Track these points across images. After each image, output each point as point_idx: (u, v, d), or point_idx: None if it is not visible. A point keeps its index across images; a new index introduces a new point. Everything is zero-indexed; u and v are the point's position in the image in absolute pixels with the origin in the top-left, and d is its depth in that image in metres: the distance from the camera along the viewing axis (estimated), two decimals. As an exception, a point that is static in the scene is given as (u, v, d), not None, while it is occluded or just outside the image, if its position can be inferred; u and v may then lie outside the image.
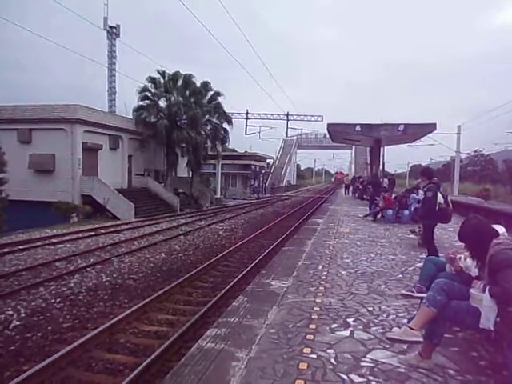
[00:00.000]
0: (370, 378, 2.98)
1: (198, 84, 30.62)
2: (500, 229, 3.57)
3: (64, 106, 23.18)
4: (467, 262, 3.77)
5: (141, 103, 29.00)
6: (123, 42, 43.18)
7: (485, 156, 69.27)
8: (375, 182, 19.05)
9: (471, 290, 3.12)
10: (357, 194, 25.72)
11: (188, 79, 30.01)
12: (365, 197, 22.42)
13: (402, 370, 3.10)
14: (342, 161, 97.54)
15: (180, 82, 29.99)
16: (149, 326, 6.41)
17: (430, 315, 3.12)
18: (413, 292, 4.27)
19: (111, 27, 39.06)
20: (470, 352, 3.45)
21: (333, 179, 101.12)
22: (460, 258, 3.85)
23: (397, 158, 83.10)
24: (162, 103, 29.87)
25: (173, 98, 29.77)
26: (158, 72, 29.64)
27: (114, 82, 39.76)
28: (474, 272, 3.62)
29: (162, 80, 29.72)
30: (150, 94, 29.41)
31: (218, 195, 38.73)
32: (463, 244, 3.50)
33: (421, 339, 3.21)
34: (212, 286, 8.80)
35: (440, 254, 6.80)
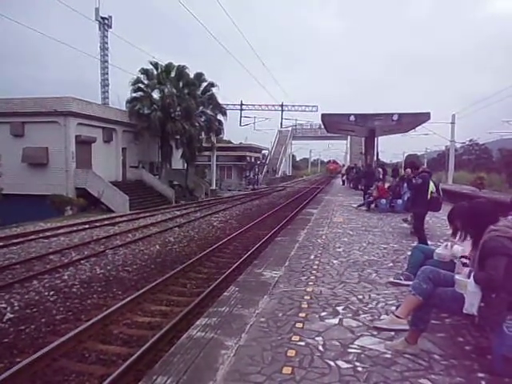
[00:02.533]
0: (357, 363, 3.03)
1: (192, 75, 30.41)
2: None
3: (57, 98, 22.97)
4: (454, 250, 3.83)
5: (134, 95, 28.77)
6: (115, 33, 42.79)
7: (480, 145, 69.54)
8: (369, 172, 19.08)
9: (456, 276, 3.16)
10: (351, 184, 25.73)
11: (181, 70, 29.76)
12: (360, 187, 22.50)
13: (389, 356, 3.14)
14: (337, 151, 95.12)
15: (173, 74, 29.73)
16: (142, 317, 6.45)
17: (416, 303, 3.17)
18: (401, 280, 4.34)
19: (103, 18, 38.54)
20: (456, 337, 3.50)
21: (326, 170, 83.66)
22: (446, 245, 3.90)
23: (392, 148, 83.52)
24: (156, 95, 29.61)
25: (166, 90, 29.51)
26: (151, 63, 29.40)
27: (107, 73, 39.27)
28: (461, 260, 3.67)
29: (154, 71, 29.46)
30: (143, 86, 29.17)
31: (213, 187, 38.67)
32: (460, 223, 3.55)
33: (407, 327, 3.27)
34: (206, 276, 8.84)
35: (431, 243, 6.90)
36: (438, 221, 10.31)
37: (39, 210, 19.32)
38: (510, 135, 41.87)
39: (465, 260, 3.40)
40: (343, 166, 54.59)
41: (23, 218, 16.98)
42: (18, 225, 15.83)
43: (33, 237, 13.15)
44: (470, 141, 68.79)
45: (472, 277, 2.93)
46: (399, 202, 13.01)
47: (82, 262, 9.97)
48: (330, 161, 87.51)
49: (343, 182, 32.26)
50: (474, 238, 3.11)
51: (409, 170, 7.84)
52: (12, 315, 6.54)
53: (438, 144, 61.11)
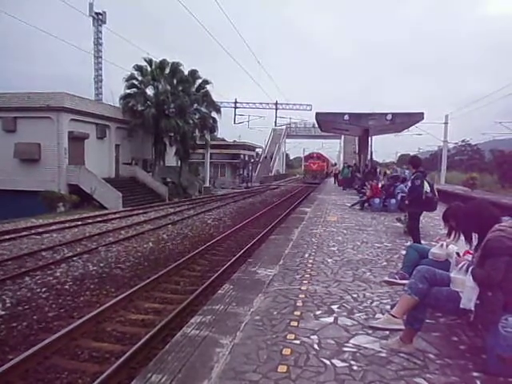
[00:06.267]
0: (352, 362, 3.02)
1: (186, 72, 30.28)
2: None
3: (50, 93, 22.75)
4: (449, 249, 3.84)
5: (128, 91, 28.58)
6: (109, 29, 42.46)
7: (472, 146, 70.07)
8: (371, 172, 19.16)
9: (452, 274, 3.17)
10: (345, 184, 25.53)
11: (175, 67, 29.62)
12: (353, 186, 22.51)
13: (384, 355, 3.14)
14: (331, 150, 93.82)
15: (167, 70, 29.59)
16: (135, 315, 6.43)
17: (411, 303, 3.16)
18: (396, 279, 4.34)
19: (97, 13, 38.29)
20: (450, 337, 3.51)
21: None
22: (442, 245, 3.91)
23: (385, 148, 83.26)
24: (150, 91, 29.49)
25: (160, 86, 29.38)
26: (145, 60, 29.23)
27: (101, 69, 39.10)
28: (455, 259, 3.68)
29: (148, 68, 29.28)
30: (136, 82, 28.98)
31: (207, 184, 38.57)
32: (455, 223, 3.56)
33: (403, 327, 3.26)
34: (200, 274, 8.82)
35: (424, 242, 6.92)
36: (431, 220, 10.36)
37: (31, 206, 19.14)
38: (502, 136, 42.24)
39: (468, 256, 3.40)
40: (335, 164, 51.03)
41: (15, 214, 16.82)
42: (10, 221, 15.67)
43: (25, 233, 13.04)
44: (463, 141, 69.34)
45: (470, 272, 2.93)
46: (392, 201, 13.06)
47: (75, 258, 9.90)
48: (311, 155, 52.10)
49: (335, 181, 31.68)
50: (478, 237, 3.11)
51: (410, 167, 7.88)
52: (3, 312, 6.48)
53: (430, 144, 61.56)
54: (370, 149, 23.78)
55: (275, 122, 51.43)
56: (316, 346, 3.28)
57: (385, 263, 6.18)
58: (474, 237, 3.27)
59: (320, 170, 46.15)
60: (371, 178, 16.72)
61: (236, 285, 4.97)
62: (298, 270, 5.70)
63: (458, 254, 3.61)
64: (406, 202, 7.71)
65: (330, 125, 26.66)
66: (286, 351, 3.18)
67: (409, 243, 7.04)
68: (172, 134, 29.31)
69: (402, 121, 22.23)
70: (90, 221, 16.13)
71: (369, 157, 23.32)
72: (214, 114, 32.60)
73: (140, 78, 29.11)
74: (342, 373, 2.87)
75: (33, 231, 13.42)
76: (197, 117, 31.46)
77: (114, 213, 19.07)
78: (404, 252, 5.87)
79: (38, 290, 7.55)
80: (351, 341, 3.39)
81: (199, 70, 31.23)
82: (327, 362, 3.02)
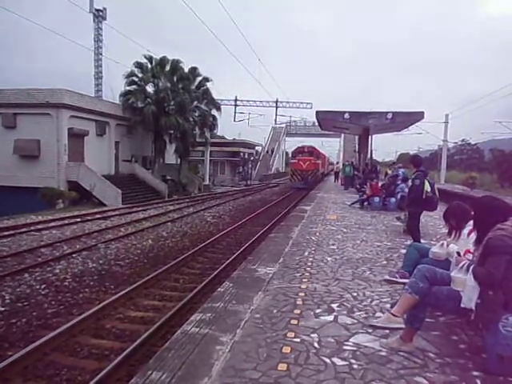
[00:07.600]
0: (352, 361, 3.02)
1: (186, 70, 30.22)
2: None
3: (49, 90, 22.69)
4: (450, 249, 3.84)
5: (128, 88, 28.50)
6: (110, 25, 42.42)
7: (472, 145, 70.12)
8: (373, 171, 19.15)
9: (452, 274, 3.17)
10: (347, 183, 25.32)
11: (176, 64, 29.55)
12: (355, 185, 22.46)
13: (384, 354, 3.14)
14: (331, 149, 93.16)
15: (167, 68, 29.52)
16: (135, 312, 6.42)
17: (412, 302, 3.17)
18: (396, 278, 4.35)
19: (97, 10, 38.14)
20: (450, 336, 3.51)
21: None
22: (442, 244, 3.91)
23: (385, 147, 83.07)
24: (150, 89, 29.44)
25: (160, 84, 29.34)
26: (145, 57, 29.16)
27: (101, 66, 38.95)
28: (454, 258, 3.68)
29: (149, 65, 29.22)
30: (137, 79, 28.92)
31: (207, 182, 38.58)
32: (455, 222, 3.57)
33: (403, 326, 3.27)
34: (199, 272, 8.82)
35: (423, 241, 6.93)
36: (431, 220, 10.36)
37: (30, 202, 19.13)
38: (501, 136, 42.29)
39: (468, 255, 3.41)
40: (337, 163, 48.42)
41: (14, 210, 16.79)
42: (9, 217, 15.65)
43: (24, 229, 13.02)
44: (462, 141, 69.38)
45: (471, 270, 2.93)
46: (392, 200, 13.06)
47: (74, 255, 9.90)
48: (301, 149, 34.70)
49: (335, 180, 31.37)
50: (480, 234, 3.11)
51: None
52: (3, 308, 6.48)
53: (430, 143, 61.55)
54: (370, 148, 23.77)
55: (275, 120, 51.48)
56: (316, 345, 3.28)
57: (384, 262, 6.19)
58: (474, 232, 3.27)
59: (312, 170, 32.51)
60: (372, 177, 16.71)
61: (236, 283, 4.97)
62: (298, 268, 5.70)
63: (458, 253, 3.61)
64: (407, 201, 7.72)
65: (330, 123, 26.60)
66: (286, 349, 3.18)
67: (408, 242, 7.05)
68: (172, 132, 29.25)
69: (402, 120, 22.22)
70: (89, 218, 16.11)
71: (369, 156, 23.31)
72: (214, 112, 32.58)
73: (140, 75, 29.04)
74: (342, 371, 2.87)
75: (32, 228, 13.40)
76: (197, 114, 31.42)
77: (114, 210, 19.05)
78: (404, 251, 5.89)
79: (38, 287, 7.54)
80: (351, 339, 3.39)
81: (200, 68, 31.21)
82: (327, 361, 3.02)
